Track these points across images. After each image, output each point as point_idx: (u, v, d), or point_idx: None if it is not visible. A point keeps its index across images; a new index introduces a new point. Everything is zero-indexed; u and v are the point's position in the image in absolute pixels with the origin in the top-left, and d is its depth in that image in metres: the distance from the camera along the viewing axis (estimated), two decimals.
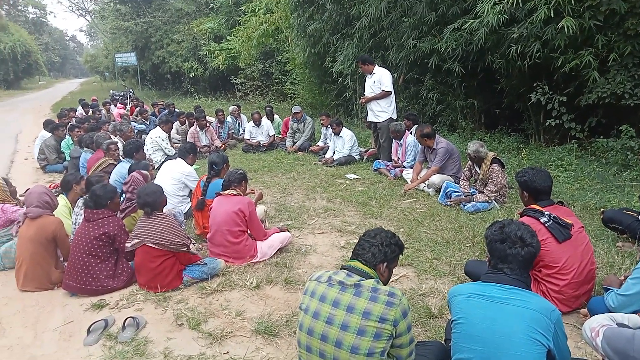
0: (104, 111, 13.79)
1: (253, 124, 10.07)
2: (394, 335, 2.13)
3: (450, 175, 6.17)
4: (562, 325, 2.05)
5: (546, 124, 7.23)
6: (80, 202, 4.56)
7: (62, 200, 4.85)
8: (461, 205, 5.49)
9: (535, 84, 7.07)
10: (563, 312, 3.06)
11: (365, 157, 8.32)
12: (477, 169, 5.60)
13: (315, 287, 2.28)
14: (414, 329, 3.10)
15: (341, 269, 2.34)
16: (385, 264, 2.35)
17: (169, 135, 9.04)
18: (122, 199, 4.77)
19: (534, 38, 6.37)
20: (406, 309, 2.17)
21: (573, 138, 7.06)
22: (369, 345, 2.09)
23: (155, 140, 8.43)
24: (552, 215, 3.13)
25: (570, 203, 5.30)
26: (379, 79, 7.30)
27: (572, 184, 5.98)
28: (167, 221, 3.89)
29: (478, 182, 5.60)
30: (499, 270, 2.16)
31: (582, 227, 3.30)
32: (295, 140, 9.64)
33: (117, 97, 18.89)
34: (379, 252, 2.32)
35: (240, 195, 4.40)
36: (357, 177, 7.26)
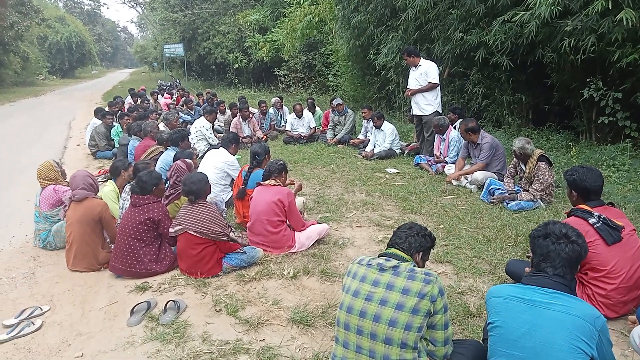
0: (151, 100, 14.22)
1: (295, 116, 10.13)
2: (431, 312, 2.18)
3: (494, 172, 6.00)
4: (607, 333, 1.96)
5: (598, 122, 6.91)
6: (127, 187, 4.74)
7: (110, 185, 5.06)
8: (504, 204, 5.34)
9: (588, 80, 6.75)
10: (609, 317, 2.94)
11: (406, 152, 8.22)
12: (523, 167, 5.42)
13: (357, 269, 2.37)
14: (451, 327, 3.07)
15: (379, 256, 2.44)
16: (420, 254, 2.49)
17: (213, 125, 9.22)
18: (166, 186, 4.91)
19: (589, 31, 6.06)
20: (442, 288, 2.24)
21: (627, 137, 6.71)
22: (406, 319, 2.14)
23: (200, 130, 8.62)
24: (601, 217, 3.00)
25: (621, 205, 5.05)
26: (426, 71, 7.18)
27: (625, 185, 5.70)
28: (209, 210, 3.98)
29: (523, 180, 5.42)
30: (542, 271, 2.08)
31: (634, 230, 3.14)
32: (335, 133, 9.63)
33: (165, 87, 19.45)
34: (415, 242, 2.46)
35: (280, 185, 4.44)
36: (398, 171, 7.19)
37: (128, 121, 8.80)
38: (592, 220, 2.99)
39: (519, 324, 1.99)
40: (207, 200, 4.18)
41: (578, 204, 3.27)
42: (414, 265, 2.36)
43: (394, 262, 2.33)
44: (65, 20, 46.75)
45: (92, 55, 52.39)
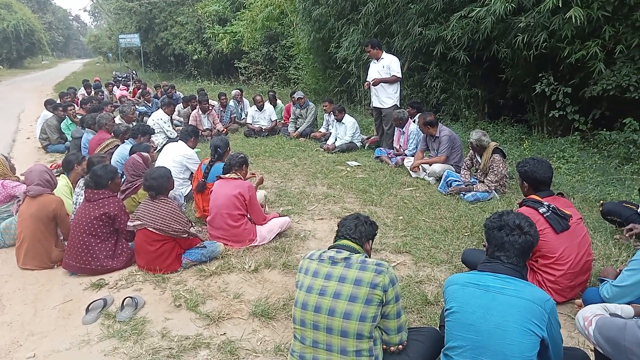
0: (106, 92, 13.77)
1: (256, 109, 10.04)
2: (383, 301, 2.23)
3: (452, 165, 6.16)
4: (556, 315, 2.06)
5: (550, 115, 7.20)
6: (81, 182, 4.58)
7: (63, 180, 4.87)
8: (461, 195, 5.49)
9: (540, 75, 7.02)
10: (558, 302, 3.08)
11: (367, 145, 8.30)
12: (479, 159, 5.59)
13: (308, 265, 2.39)
14: (409, 315, 3.15)
15: (329, 248, 2.46)
16: (370, 242, 2.57)
17: (171, 117, 9.02)
18: (122, 180, 4.78)
19: (541, 28, 6.30)
20: (394, 278, 2.28)
21: (576, 130, 7.02)
22: (360, 310, 2.18)
23: (157, 123, 8.42)
24: (551, 206, 3.14)
25: (570, 195, 5.30)
26: (389, 65, 7.25)
27: (573, 176, 5.97)
28: (170, 207, 3.89)
29: (479, 171, 5.59)
30: (496, 259, 2.16)
31: (581, 218, 3.30)
32: (297, 126, 9.61)
33: (120, 79, 18.85)
34: (365, 230, 2.51)
35: (241, 179, 4.40)
36: (359, 164, 7.26)
37: (78, 113, 8.48)
38: (542, 210, 3.12)
39: (474, 308, 2.06)
40: (168, 195, 4.10)
41: (529, 195, 3.40)
42: (365, 256, 2.39)
43: (345, 253, 2.35)
44: (12, 7, 44.37)
45: (42, 45, 50.02)
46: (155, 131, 8.32)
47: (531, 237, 2.17)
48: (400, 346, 2.36)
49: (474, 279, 2.15)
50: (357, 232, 2.48)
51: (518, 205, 3.39)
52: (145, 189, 3.99)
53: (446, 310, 2.20)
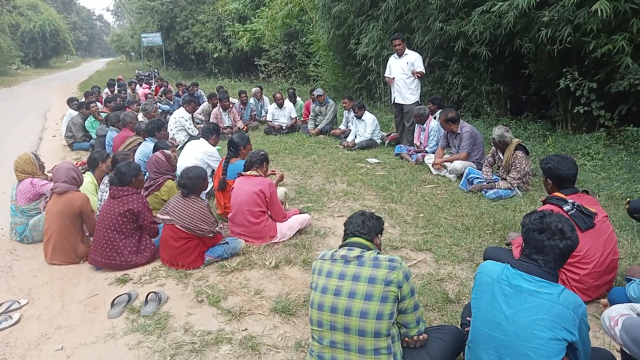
0: (129, 91, 13.99)
1: (275, 106, 10.08)
2: (399, 298, 2.22)
3: (473, 161, 6.09)
4: (586, 319, 2.00)
5: (574, 111, 7.06)
6: (105, 179, 4.68)
7: (88, 177, 4.98)
8: (483, 192, 5.43)
9: (564, 70, 6.88)
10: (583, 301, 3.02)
11: (387, 142, 8.27)
12: (501, 155, 5.51)
13: (321, 265, 2.38)
14: (430, 313, 3.14)
15: (340, 246, 2.46)
16: (379, 236, 2.58)
17: (192, 115, 9.12)
18: (145, 177, 4.86)
19: (565, 22, 6.16)
20: (407, 272, 2.27)
21: (602, 126, 6.87)
22: (377, 308, 2.18)
23: (179, 120, 8.52)
24: (575, 204, 3.08)
25: (595, 192, 5.19)
26: (413, 61, 7.30)
27: (599, 173, 5.85)
28: (199, 206, 3.94)
29: (501, 168, 5.52)
30: (533, 261, 2.08)
31: (606, 216, 3.24)
32: (317, 123, 9.62)
33: (143, 77, 19.11)
34: (373, 225, 2.52)
35: (262, 176, 4.44)
36: (378, 161, 7.23)
37: (102, 111, 8.63)
38: (566, 208, 3.06)
39: (504, 307, 2.04)
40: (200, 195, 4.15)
41: (553, 192, 3.34)
42: (378, 253, 2.38)
43: (357, 251, 2.34)
44: (38, 8, 45.44)
45: (67, 44, 51.08)
46: (177, 129, 8.45)
47: (572, 242, 2.07)
48: (421, 336, 2.36)
49: (507, 276, 2.09)
50: (366, 227, 2.48)
51: (542, 203, 3.34)
52: (180, 186, 4.05)
53: (473, 297, 2.18)
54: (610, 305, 2.72)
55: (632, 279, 2.85)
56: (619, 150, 6.39)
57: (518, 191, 5.34)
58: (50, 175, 5.01)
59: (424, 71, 7.30)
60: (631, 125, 6.43)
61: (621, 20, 5.93)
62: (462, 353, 2.45)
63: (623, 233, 4.15)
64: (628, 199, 4.40)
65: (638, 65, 6.01)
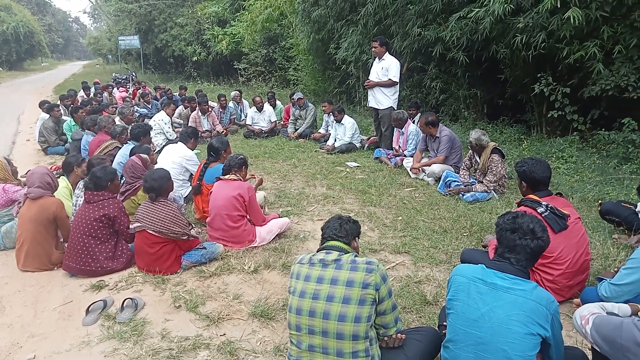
0: (105, 94, 13.77)
1: (255, 110, 10.05)
2: (377, 300, 2.24)
3: (451, 165, 6.17)
4: (559, 316, 2.07)
5: (549, 116, 7.22)
6: (81, 184, 4.59)
7: (63, 181, 4.88)
8: (460, 195, 5.50)
9: (539, 75, 7.04)
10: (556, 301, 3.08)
11: (366, 145, 8.32)
12: (478, 159, 5.60)
13: (300, 270, 2.38)
14: (408, 315, 3.16)
15: (318, 250, 2.46)
16: (356, 239, 2.58)
17: (171, 119, 9.03)
18: (122, 181, 4.79)
19: (540, 28, 6.32)
20: (385, 274, 2.30)
21: (575, 130, 7.04)
22: (355, 311, 2.19)
23: (159, 124, 8.43)
24: (549, 206, 3.15)
25: (569, 195, 5.31)
26: (388, 67, 7.20)
27: (572, 176, 5.98)
28: (169, 209, 3.89)
29: (478, 171, 5.61)
30: (505, 260, 2.15)
31: (579, 218, 3.31)
32: (296, 127, 9.62)
33: (120, 80, 18.87)
34: (350, 228, 2.53)
35: (240, 180, 4.41)
36: (358, 165, 7.27)
37: (82, 115, 8.49)
38: (540, 210, 3.12)
39: (479, 304, 2.08)
40: (168, 196, 4.10)
41: (528, 194, 3.41)
42: (355, 255, 2.40)
43: (335, 254, 2.35)
44: (11, 9, 44.35)
45: (42, 47, 49.94)
46: (156, 132, 8.35)
47: (543, 242, 2.15)
48: (400, 335, 2.39)
49: (482, 274, 2.15)
50: (343, 230, 2.50)
51: (517, 205, 3.41)
52: (146, 190, 3.99)
53: (449, 300, 2.21)
54: (583, 305, 2.79)
55: (603, 279, 2.92)
56: (592, 153, 6.56)
57: (494, 194, 5.43)
58: (23, 180, 4.90)
59: (395, 80, 7.20)
60: (603, 129, 6.60)
61: (593, 28, 6.11)
62: (439, 354, 2.48)
63: (595, 234, 4.26)
64: (600, 201, 4.53)
65: (609, 71, 6.19)
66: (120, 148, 6.01)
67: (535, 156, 4.87)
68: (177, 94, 12.85)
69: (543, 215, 3.09)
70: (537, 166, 3.38)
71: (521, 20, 6.39)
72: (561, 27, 6.04)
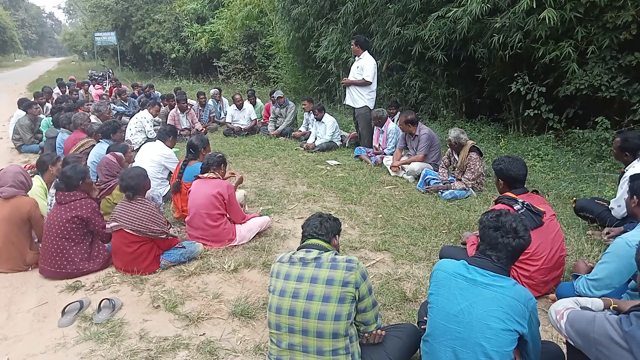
0: (81, 92, 13.50)
1: (235, 108, 9.98)
2: (357, 298, 2.25)
3: (430, 163, 6.23)
4: (536, 314, 2.10)
5: (525, 114, 7.34)
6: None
7: (37, 181, 4.76)
8: (439, 193, 5.56)
9: (515, 74, 7.15)
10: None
11: (347, 142, 8.32)
12: (456, 157, 5.67)
13: (280, 268, 2.37)
14: (388, 312, 3.18)
15: (299, 249, 2.46)
16: (337, 237, 2.59)
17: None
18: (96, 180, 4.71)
19: (516, 28, 6.42)
20: (364, 272, 2.31)
21: (550, 128, 7.18)
22: (335, 309, 2.19)
23: (141, 121, 8.29)
24: (525, 203, 3.20)
25: (544, 192, 5.41)
26: (362, 66, 7.22)
27: (548, 174, 6.10)
28: (147, 207, 3.83)
29: (456, 169, 5.68)
30: (486, 257, 2.18)
31: (554, 215, 3.38)
32: (277, 125, 9.59)
33: (96, 77, 18.52)
34: (330, 226, 2.54)
35: (219, 178, 4.38)
36: (338, 163, 7.28)
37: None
38: (516, 207, 3.18)
39: (459, 300, 2.11)
40: (145, 195, 4.04)
41: (504, 192, 3.46)
42: (335, 253, 2.40)
43: (315, 252, 2.35)
44: None
45: (14, 43, 48.82)
46: (137, 130, 8.22)
47: (524, 241, 2.18)
48: (380, 331, 2.40)
49: (463, 270, 2.17)
50: (323, 228, 2.50)
51: (494, 203, 3.46)
52: (122, 189, 3.92)
53: (430, 294, 2.23)
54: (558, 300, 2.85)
55: (579, 275, 2.99)
56: (567, 151, 6.69)
57: (472, 191, 5.51)
58: None
59: (369, 79, 7.18)
60: (577, 128, 6.75)
61: (567, 28, 6.23)
62: (418, 350, 2.50)
63: (570, 231, 4.35)
64: (574, 198, 4.63)
65: (583, 71, 6.33)
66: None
67: (512, 154, 4.94)
68: (136, 91, 12.72)
69: (519, 212, 3.14)
70: (514, 164, 3.44)
71: (498, 20, 6.49)
72: (537, 27, 6.15)
